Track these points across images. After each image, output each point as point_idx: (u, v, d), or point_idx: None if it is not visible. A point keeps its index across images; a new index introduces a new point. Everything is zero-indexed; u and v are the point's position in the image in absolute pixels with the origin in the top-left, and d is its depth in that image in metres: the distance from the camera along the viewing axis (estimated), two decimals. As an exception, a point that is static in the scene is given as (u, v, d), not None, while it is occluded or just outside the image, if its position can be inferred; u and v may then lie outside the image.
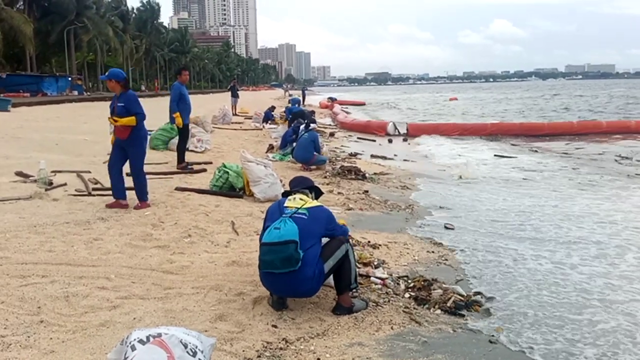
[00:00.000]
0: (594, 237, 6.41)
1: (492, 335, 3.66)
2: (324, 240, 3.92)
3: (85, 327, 3.43)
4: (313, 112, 22.64)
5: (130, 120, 6.42)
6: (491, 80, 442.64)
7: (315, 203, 4.03)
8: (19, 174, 8.33)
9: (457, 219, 7.17)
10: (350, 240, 5.44)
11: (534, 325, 3.91)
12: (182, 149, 10.05)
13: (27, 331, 3.35)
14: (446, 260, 5.36)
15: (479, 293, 4.36)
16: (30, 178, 7.91)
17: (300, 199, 4.00)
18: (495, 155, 15.21)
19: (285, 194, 4.24)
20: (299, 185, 4.32)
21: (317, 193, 4.43)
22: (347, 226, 4.35)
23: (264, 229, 3.94)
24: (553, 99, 59.38)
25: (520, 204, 8.38)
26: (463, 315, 3.97)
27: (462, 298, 4.18)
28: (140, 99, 6.72)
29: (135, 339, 2.52)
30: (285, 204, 3.97)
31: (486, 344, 3.56)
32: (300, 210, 3.86)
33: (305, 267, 3.66)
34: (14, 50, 49.63)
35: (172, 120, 9.76)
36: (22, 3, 52.15)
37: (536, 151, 16.81)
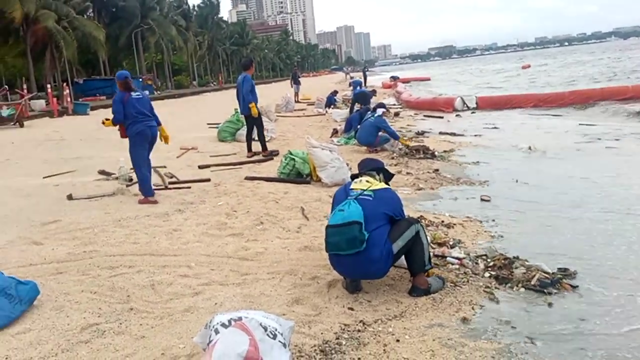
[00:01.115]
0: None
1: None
2: None
3: (171, 313, 3.59)
4: (374, 91, 22.41)
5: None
6: (566, 44, 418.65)
7: (381, 185, 4.00)
8: (101, 172, 8.79)
9: (513, 193, 6.95)
10: (423, 220, 5.43)
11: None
12: (262, 138, 10.46)
13: (119, 318, 3.54)
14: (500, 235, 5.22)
15: (564, 269, 4.16)
16: (112, 176, 8.33)
17: (367, 181, 3.99)
18: (580, 124, 14.09)
19: (353, 177, 4.25)
20: (366, 167, 4.31)
21: (387, 175, 4.38)
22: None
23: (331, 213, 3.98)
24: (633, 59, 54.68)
25: (600, 176, 7.90)
26: (550, 294, 3.80)
27: (547, 275, 4.00)
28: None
29: (218, 323, 2.63)
30: (351, 187, 3.99)
31: (574, 322, 3.42)
32: (365, 192, 3.85)
33: (372, 248, 3.64)
34: (87, 56, 51.97)
35: (247, 109, 10.06)
36: (91, 11, 54.47)
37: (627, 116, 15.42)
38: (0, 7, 33.68)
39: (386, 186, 4.05)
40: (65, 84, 34.86)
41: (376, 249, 3.66)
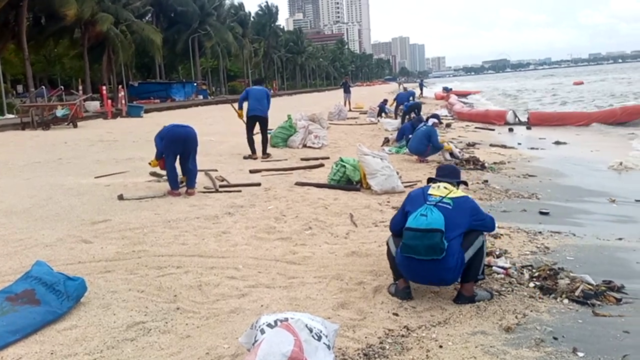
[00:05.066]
0: None
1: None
2: None
3: (218, 314, 3.64)
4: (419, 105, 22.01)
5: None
6: (620, 61, 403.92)
7: (460, 193, 3.94)
8: (153, 174, 8.98)
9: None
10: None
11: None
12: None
13: (165, 317, 3.60)
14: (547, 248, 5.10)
15: (609, 282, 4.08)
16: (163, 177, 8.48)
17: (445, 188, 3.93)
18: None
19: (430, 181, 4.19)
20: (447, 176, 4.20)
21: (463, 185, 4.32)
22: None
23: (404, 213, 3.91)
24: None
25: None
26: (593, 305, 3.75)
27: (591, 287, 3.96)
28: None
29: (264, 323, 2.67)
30: (429, 192, 3.92)
31: (617, 335, 3.35)
32: (444, 200, 3.80)
33: (449, 257, 3.62)
34: (144, 60, 53.47)
35: None
36: (150, 15, 56.00)
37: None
38: (56, 8, 34.03)
39: (465, 195, 3.98)
40: (120, 86, 35.72)
41: (452, 259, 3.65)
